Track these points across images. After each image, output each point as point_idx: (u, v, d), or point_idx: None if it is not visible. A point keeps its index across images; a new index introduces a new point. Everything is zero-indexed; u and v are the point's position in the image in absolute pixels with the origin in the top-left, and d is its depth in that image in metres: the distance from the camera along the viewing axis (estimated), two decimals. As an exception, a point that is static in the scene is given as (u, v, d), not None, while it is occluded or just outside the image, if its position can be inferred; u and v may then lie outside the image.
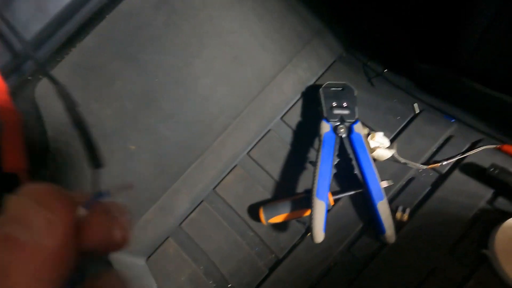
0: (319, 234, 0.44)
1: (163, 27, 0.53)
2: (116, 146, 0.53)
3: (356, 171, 0.49)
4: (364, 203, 0.50)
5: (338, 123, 0.52)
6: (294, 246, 0.52)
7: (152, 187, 0.56)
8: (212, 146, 0.58)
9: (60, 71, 0.48)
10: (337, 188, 0.53)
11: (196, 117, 0.57)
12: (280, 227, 0.53)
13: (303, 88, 0.60)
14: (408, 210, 0.47)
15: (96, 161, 0.14)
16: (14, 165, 0.13)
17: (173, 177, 0.57)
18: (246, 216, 0.56)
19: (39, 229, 0.10)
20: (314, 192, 0.47)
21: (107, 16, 0.49)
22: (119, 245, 0.13)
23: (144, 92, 0.53)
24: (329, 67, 0.61)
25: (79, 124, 0.14)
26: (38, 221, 0.10)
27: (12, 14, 0.42)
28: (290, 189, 0.55)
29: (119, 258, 0.52)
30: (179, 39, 0.54)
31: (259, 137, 0.59)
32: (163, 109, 0.55)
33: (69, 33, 0.47)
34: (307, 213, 0.51)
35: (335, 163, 0.50)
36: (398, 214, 0.47)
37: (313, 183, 0.48)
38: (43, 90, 0.48)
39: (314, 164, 0.50)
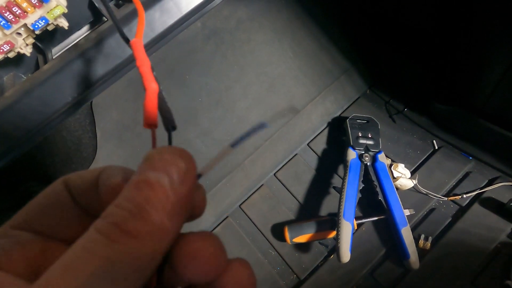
0: (346, 254, 0.46)
1: (210, 54, 0.60)
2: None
3: (380, 197, 0.52)
4: (387, 229, 0.52)
5: (363, 152, 0.56)
6: (316, 268, 0.53)
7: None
8: (242, 164, 0.61)
9: (119, 83, 0.54)
10: (360, 214, 0.55)
11: (231, 135, 0.61)
12: (302, 247, 0.55)
13: (329, 119, 0.65)
14: (430, 239, 0.49)
15: (171, 123, 0.16)
16: (151, 123, 0.15)
17: (203, 190, 0.59)
18: (269, 235, 0.57)
19: (176, 176, 0.11)
20: (341, 214, 0.49)
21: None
22: (197, 216, 0.14)
23: (187, 109, 0.59)
24: (354, 102, 0.66)
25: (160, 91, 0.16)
26: (175, 169, 0.11)
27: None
28: (314, 212, 0.57)
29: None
30: (223, 66, 0.60)
31: (286, 160, 0.62)
32: (201, 126, 0.60)
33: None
34: (331, 235, 0.53)
35: (360, 188, 0.53)
36: (421, 242, 0.49)
37: (339, 205, 0.50)
38: (100, 99, 0.53)
39: (339, 188, 0.53)
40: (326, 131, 0.64)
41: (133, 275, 0.10)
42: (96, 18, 0.37)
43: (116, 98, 0.55)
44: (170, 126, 0.16)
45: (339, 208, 0.50)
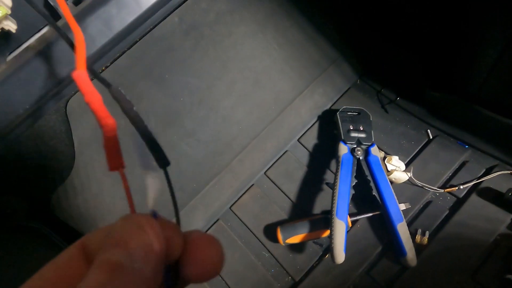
0: (340, 255, 0.44)
1: (190, 51, 0.56)
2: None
3: (374, 193, 0.50)
4: (382, 225, 0.50)
5: (355, 146, 0.54)
6: (311, 268, 0.51)
7: (170, 203, 0.56)
8: (230, 165, 0.59)
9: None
10: (354, 210, 0.53)
11: (216, 136, 0.58)
12: (296, 248, 0.53)
13: (319, 112, 0.62)
14: (427, 234, 0.47)
15: (163, 159, 0.14)
16: (117, 164, 0.14)
17: (190, 194, 0.57)
18: (262, 236, 0.55)
19: (140, 255, 0.11)
20: (334, 213, 0.47)
21: (140, 39, 0.53)
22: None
23: (169, 111, 0.56)
24: (344, 93, 0.64)
25: (139, 124, 0.15)
26: (139, 247, 0.11)
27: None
28: (307, 210, 0.55)
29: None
30: (204, 63, 0.57)
31: (276, 158, 0.60)
32: (185, 127, 0.57)
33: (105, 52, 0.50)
34: (325, 234, 0.51)
35: (353, 184, 0.51)
36: (418, 237, 0.47)
37: (332, 204, 0.48)
38: (74, 105, 0.50)
39: (332, 185, 0.51)
40: (316, 125, 0.62)
41: None
42: (54, 18, 0.34)
43: (92, 103, 0.52)
44: (162, 163, 0.15)
45: (331, 207, 0.48)
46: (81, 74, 0.16)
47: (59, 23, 0.30)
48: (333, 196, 0.49)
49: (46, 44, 0.26)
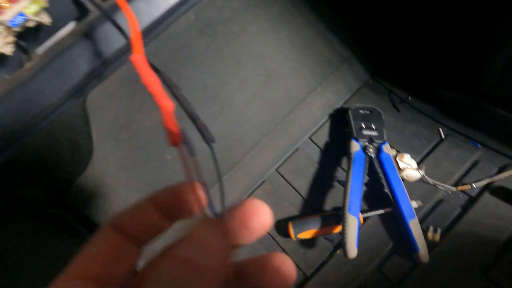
0: (353, 249, 0.44)
1: (204, 48, 0.57)
2: (152, 155, 0.56)
3: (386, 190, 0.50)
4: (394, 222, 0.50)
5: (367, 143, 0.54)
6: (322, 264, 0.52)
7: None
8: (242, 161, 0.60)
9: (113, 81, 0.52)
10: (365, 207, 0.54)
11: (229, 132, 0.59)
12: (307, 243, 0.53)
13: (330, 110, 0.63)
14: (439, 231, 0.47)
15: (208, 137, 0.16)
16: (176, 140, 0.15)
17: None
18: (273, 231, 0.56)
19: (216, 255, 0.12)
20: (346, 208, 0.48)
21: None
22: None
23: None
24: (356, 92, 0.64)
25: (186, 105, 0.16)
26: (216, 247, 0.12)
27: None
28: (318, 206, 0.56)
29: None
30: (218, 60, 0.58)
31: (288, 155, 0.61)
32: (199, 122, 0.58)
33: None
34: (337, 229, 0.51)
35: (365, 181, 0.51)
36: (430, 234, 0.47)
37: (344, 199, 0.49)
38: (94, 99, 0.52)
39: (343, 182, 0.52)
40: (328, 123, 0.62)
41: None
42: (81, 13, 0.35)
43: (111, 96, 0.54)
44: (208, 140, 0.16)
45: (344, 202, 0.48)
46: (139, 58, 0.17)
47: (88, 18, 0.31)
48: (345, 192, 0.49)
49: (78, 35, 0.27)
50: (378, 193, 0.51)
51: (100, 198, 0.52)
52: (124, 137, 0.55)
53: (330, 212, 0.53)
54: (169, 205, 0.15)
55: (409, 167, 0.53)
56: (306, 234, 0.52)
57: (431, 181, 0.51)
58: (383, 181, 0.51)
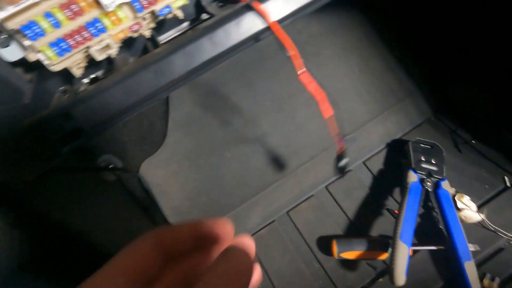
0: (401, 277, 0.44)
1: (280, 63, 0.63)
2: (215, 151, 0.60)
3: (441, 226, 0.49)
4: (446, 262, 0.48)
5: (425, 176, 0.54)
6: (362, 289, 0.51)
7: (234, 195, 0.60)
8: (296, 171, 0.62)
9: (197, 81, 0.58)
10: (415, 241, 0.52)
11: (288, 141, 0.62)
12: (349, 265, 0.53)
13: (388, 140, 0.64)
14: (497, 280, 0.45)
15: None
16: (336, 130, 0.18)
17: (254, 190, 0.61)
18: (314, 246, 0.56)
19: (250, 269, 0.14)
20: (398, 235, 0.47)
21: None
22: None
23: (251, 110, 0.62)
24: (417, 126, 0.65)
25: None
26: (250, 264, 0.15)
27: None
28: (363, 231, 0.56)
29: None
30: (290, 75, 0.63)
31: (340, 174, 0.62)
32: (262, 128, 0.62)
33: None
34: (382, 256, 0.50)
35: (419, 213, 0.50)
36: (486, 282, 0.45)
37: (396, 226, 0.48)
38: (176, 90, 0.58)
39: (392, 211, 0.52)
40: (384, 152, 0.63)
41: None
42: (197, 15, 0.41)
43: (191, 91, 0.60)
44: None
45: (395, 229, 0.48)
46: (305, 74, 0.22)
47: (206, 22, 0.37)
48: (398, 219, 0.49)
49: (200, 34, 0.32)
50: (432, 228, 0.50)
51: (163, 180, 0.57)
52: (195, 129, 0.60)
53: (377, 238, 0.53)
54: (202, 235, 0.17)
55: (468, 208, 0.51)
56: (350, 255, 0.51)
57: (492, 226, 0.49)
58: (439, 217, 0.50)
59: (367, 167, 0.62)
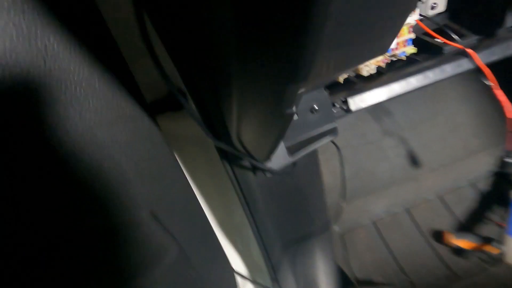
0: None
1: (415, 96, 0.86)
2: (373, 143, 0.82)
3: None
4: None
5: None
6: (474, 274, 0.65)
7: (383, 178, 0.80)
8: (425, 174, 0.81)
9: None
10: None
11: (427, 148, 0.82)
12: (461, 252, 0.68)
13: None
14: None
15: None
16: None
17: (386, 184, 0.80)
18: (427, 236, 0.73)
19: None
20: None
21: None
22: None
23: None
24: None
25: None
26: None
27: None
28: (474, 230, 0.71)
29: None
30: (417, 108, 0.86)
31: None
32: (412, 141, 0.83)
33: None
34: (493, 250, 0.65)
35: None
36: None
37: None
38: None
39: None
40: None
41: None
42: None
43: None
44: None
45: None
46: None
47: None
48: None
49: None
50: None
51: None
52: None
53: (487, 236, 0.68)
54: None
55: None
56: (463, 243, 0.67)
57: None
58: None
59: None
